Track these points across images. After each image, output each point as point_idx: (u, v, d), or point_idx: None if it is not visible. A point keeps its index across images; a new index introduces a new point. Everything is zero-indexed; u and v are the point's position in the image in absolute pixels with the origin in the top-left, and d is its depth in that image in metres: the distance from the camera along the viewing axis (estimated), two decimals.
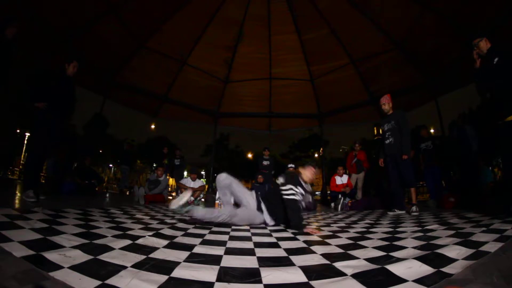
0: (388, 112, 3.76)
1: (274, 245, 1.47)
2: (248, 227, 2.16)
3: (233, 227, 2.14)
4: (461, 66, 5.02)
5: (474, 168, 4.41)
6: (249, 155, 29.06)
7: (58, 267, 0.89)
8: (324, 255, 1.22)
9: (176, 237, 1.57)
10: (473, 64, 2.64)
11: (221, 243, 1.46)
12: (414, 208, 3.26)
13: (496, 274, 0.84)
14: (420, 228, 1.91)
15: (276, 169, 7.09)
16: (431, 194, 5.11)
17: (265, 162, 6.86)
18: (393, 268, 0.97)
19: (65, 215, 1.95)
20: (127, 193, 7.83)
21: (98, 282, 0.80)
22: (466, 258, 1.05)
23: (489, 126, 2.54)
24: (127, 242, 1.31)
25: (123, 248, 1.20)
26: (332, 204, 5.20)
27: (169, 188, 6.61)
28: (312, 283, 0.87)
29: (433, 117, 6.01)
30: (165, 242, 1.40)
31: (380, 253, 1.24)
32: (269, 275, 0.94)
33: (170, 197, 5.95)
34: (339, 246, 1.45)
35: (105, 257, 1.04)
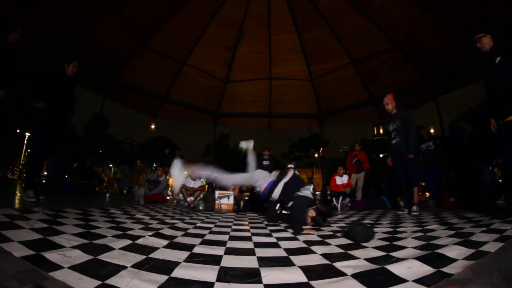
0: (392, 112, 3.70)
1: (274, 245, 1.47)
2: (248, 227, 2.16)
3: (233, 227, 2.14)
4: (461, 66, 5.03)
5: (474, 168, 4.40)
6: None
7: (58, 267, 0.89)
8: (324, 255, 1.22)
9: (176, 237, 1.57)
10: (480, 52, 2.58)
11: (221, 243, 1.46)
12: (414, 207, 3.26)
13: (496, 274, 0.84)
14: (420, 228, 1.91)
15: (276, 169, 7.08)
16: (431, 194, 5.10)
17: (265, 162, 6.83)
18: (393, 268, 0.97)
19: (65, 215, 1.95)
20: (125, 192, 7.80)
21: (98, 282, 0.80)
22: (466, 258, 1.04)
23: (489, 126, 2.53)
24: (127, 242, 1.31)
25: (123, 248, 1.20)
26: (332, 204, 5.19)
27: (169, 188, 6.61)
28: (312, 283, 0.87)
29: (433, 117, 6.02)
30: (165, 242, 1.40)
31: (380, 253, 1.24)
32: (269, 275, 0.94)
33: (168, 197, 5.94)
34: (339, 246, 1.45)
35: (105, 257, 1.04)
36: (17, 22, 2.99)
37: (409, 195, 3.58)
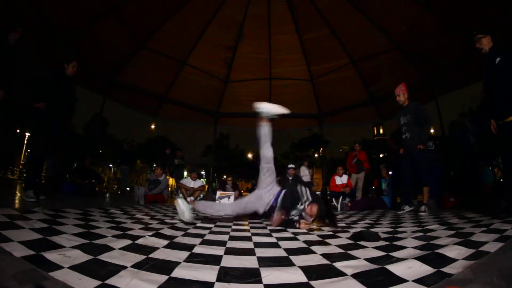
0: (404, 104, 3.49)
1: (274, 245, 1.47)
2: (248, 227, 2.16)
3: (233, 226, 2.14)
4: (461, 66, 5.03)
5: (474, 168, 4.40)
6: (249, 155, 29.06)
7: (58, 267, 0.89)
8: (324, 255, 1.22)
9: (176, 237, 1.57)
10: (480, 52, 2.57)
11: (221, 243, 1.46)
12: (422, 207, 3.16)
13: (496, 274, 0.84)
14: (420, 228, 1.91)
15: (276, 169, 7.06)
16: (431, 194, 5.10)
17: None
18: (393, 268, 0.96)
19: (65, 215, 1.95)
20: (120, 192, 7.80)
21: (98, 282, 0.80)
22: (466, 258, 1.04)
23: (489, 126, 2.53)
24: (127, 242, 1.30)
25: (123, 248, 1.19)
26: (332, 204, 5.20)
27: (169, 188, 6.63)
28: (312, 283, 0.87)
29: (432, 117, 6.01)
30: (165, 242, 1.39)
31: (380, 253, 1.24)
32: (269, 275, 0.94)
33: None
34: (339, 246, 1.44)
35: (105, 257, 1.04)
36: (17, 22, 2.99)
37: (409, 194, 3.54)
